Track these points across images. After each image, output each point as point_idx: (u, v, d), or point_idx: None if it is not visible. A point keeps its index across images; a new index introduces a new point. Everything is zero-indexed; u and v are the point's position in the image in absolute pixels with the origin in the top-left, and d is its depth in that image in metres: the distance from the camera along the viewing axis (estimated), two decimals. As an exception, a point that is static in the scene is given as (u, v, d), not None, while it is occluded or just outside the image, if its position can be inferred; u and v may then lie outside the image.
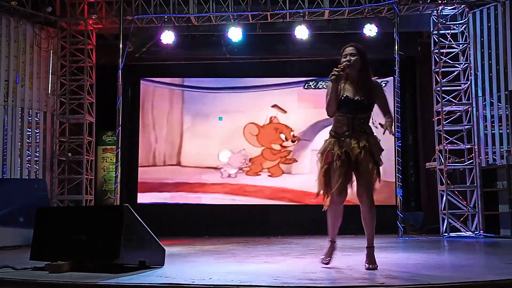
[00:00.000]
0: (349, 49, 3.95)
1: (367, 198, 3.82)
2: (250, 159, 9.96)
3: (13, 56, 8.41)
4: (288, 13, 8.66)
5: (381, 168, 3.89)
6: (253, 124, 10.06)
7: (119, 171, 8.56)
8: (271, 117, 10.05)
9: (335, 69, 3.81)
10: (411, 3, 8.51)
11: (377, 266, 3.77)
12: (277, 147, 10.00)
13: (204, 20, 8.83)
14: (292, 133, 9.99)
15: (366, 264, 3.79)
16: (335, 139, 3.88)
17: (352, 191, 3.91)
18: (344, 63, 3.86)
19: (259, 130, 10.05)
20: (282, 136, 10.00)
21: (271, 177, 9.95)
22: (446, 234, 8.07)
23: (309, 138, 9.90)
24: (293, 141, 9.92)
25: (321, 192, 3.91)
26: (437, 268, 3.98)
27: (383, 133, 3.82)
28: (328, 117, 3.97)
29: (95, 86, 9.14)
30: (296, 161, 9.90)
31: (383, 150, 3.92)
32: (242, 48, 9.36)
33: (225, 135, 10.07)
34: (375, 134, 3.92)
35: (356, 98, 3.86)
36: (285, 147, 9.98)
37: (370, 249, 3.84)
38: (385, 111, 3.94)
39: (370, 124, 3.97)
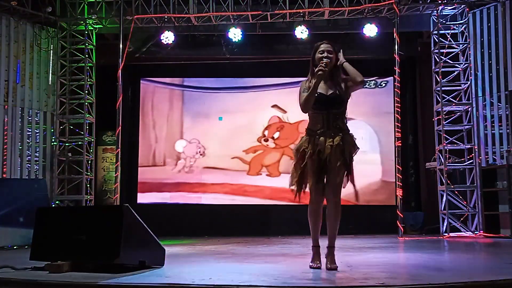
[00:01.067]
0: (326, 46, 3.93)
1: (333, 197, 3.80)
2: (203, 152, 10.04)
3: (13, 56, 8.41)
4: (288, 13, 8.65)
5: (353, 166, 3.87)
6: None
7: (119, 171, 8.56)
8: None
9: (321, 64, 3.77)
10: (411, 3, 8.51)
11: (337, 267, 3.72)
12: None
13: (204, 20, 8.83)
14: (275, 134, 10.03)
15: (327, 265, 3.74)
16: (309, 137, 3.86)
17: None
18: (326, 61, 3.81)
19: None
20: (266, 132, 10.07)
21: (271, 177, 9.95)
22: (446, 234, 8.08)
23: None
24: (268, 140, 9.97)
25: (294, 188, 3.88)
26: (437, 268, 3.98)
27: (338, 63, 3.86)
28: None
29: (95, 86, 9.13)
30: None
31: (358, 148, 3.89)
32: (242, 48, 9.36)
33: (225, 135, 10.08)
34: (351, 132, 3.89)
35: (329, 94, 3.84)
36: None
37: (331, 249, 3.80)
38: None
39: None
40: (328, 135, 3.79)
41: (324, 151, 3.76)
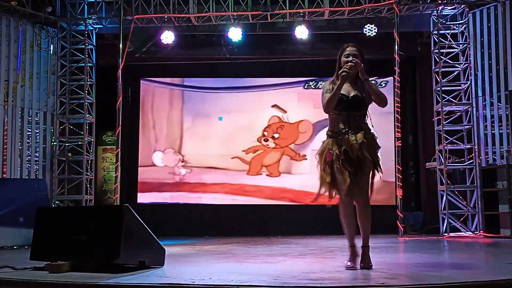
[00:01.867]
0: (351, 49, 3.93)
1: (362, 196, 3.83)
2: (182, 159, 10.03)
3: (13, 56, 8.41)
4: (288, 13, 8.65)
5: (381, 163, 3.89)
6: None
7: (119, 171, 8.56)
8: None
9: (345, 67, 3.79)
10: (411, 3, 8.51)
11: (372, 266, 3.76)
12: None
13: (204, 20, 8.83)
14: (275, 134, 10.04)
15: (362, 264, 3.78)
16: (332, 139, 3.87)
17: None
18: (350, 64, 3.82)
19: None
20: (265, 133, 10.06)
21: (271, 177, 9.95)
22: (446, 234, 8.08)
23: (308, 138, 9.91)
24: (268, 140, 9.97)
25: (325, 192, 3.89)
26: (437, 268, 3.98)
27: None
28: (325, 115, 3.97)
29: (95, 86, 9.13)
30: (306, 158, 9.88)
31: (379, 147, 3.92)
32: (242, 48, 9.36)
33: (225, 135, 10.08)
34: (372, 131, 3.91)
35: (351, 96, 3.86)
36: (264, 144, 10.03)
37: (366, 249, 3.83)
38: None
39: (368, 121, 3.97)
40: (351, 134, 3.80)
41: (352, 150, 3.75)
